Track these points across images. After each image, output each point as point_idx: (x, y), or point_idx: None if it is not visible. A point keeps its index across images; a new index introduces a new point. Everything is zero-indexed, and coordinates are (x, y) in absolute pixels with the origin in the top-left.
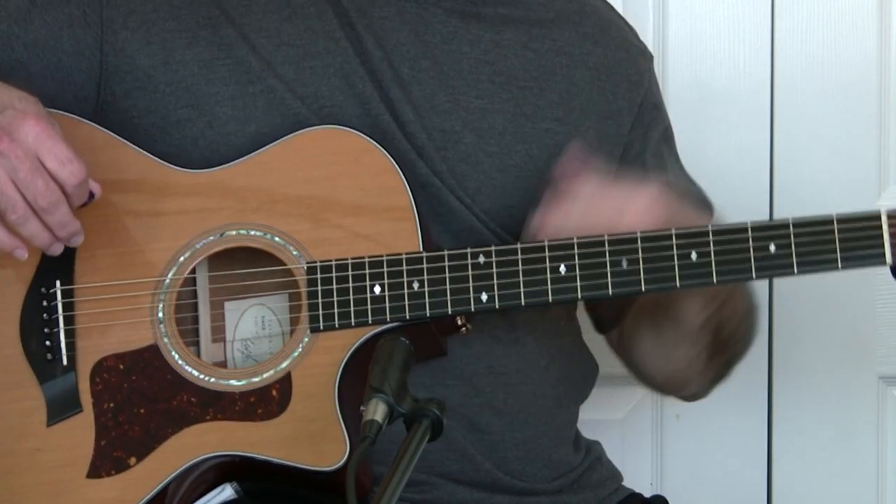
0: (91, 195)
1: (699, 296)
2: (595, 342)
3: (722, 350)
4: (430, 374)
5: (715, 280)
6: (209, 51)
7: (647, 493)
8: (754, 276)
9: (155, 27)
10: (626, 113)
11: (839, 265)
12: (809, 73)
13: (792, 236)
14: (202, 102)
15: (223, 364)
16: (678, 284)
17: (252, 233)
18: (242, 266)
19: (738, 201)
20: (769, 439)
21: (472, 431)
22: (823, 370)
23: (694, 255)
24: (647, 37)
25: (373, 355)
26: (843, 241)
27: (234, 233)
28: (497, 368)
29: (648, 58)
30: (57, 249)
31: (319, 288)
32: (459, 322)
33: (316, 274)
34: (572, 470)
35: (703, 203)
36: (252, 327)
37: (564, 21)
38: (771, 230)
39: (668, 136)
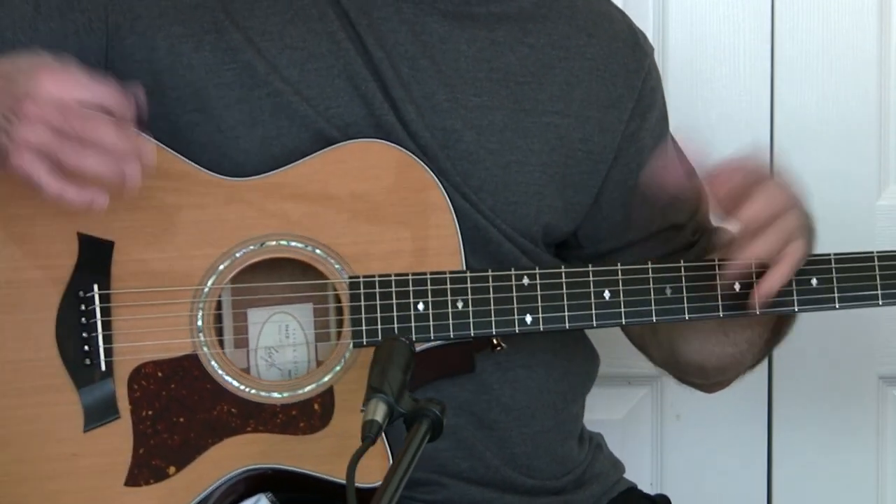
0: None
1: None
2: (595, 337)
3: (780, 329)
4: None
5: (758, 311)
6: (215, 55)
7: (648, 493)
8: (796, 308)
9: (161, 32)
10: (627, 99)
11: (880, 301)
12: (809, 73)
13: (833, 271)
14: (209, 107)
15: (246, 371)
16: (721, 314)
17: (293, 244)
18: (264, 273)
19: None
20: (769, 439)
21: (480, 428)
22: (823, 370)
23: (737, 286)
24: (647, 36)
25: (373, 355)
26: (884, 278)
27: (274, 243)
28: (504, 364)
29: (647, 46)
30: (132, 176)
31: (363, 303)
32: (495, 341)
33: (359, 289)
34: (578, 465)
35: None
36: (275, 335)
37: (557, 16)
38: (813, 265)
39: (665, 118)
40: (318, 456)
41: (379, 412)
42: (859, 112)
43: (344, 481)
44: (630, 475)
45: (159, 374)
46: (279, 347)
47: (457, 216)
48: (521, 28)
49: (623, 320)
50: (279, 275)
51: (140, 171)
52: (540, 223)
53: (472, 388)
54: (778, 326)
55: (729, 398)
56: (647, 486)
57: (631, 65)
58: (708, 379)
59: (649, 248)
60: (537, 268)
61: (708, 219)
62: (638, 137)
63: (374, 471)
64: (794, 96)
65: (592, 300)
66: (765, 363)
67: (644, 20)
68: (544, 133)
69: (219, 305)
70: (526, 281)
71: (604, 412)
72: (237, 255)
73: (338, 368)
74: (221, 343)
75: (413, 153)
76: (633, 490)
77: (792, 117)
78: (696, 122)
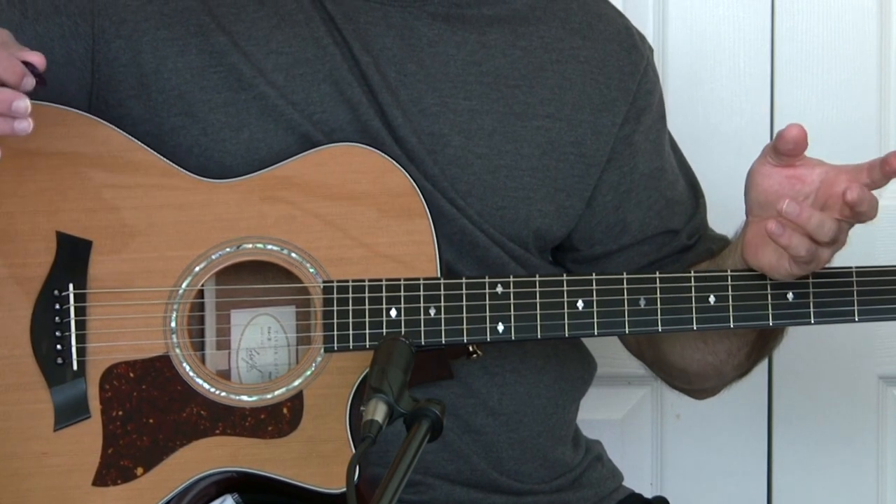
0: (31, 65)
1: None
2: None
3: (763, 345)
4: None
5: (731, 325)
6: (201, 58)
7: (647, 494)
8: (771, 322)
9: (146, 36)
10: (621, 103)
11: (856, 317)
12: (809, 73)
13: (811, 286)
14: (195, 110)
15: (227, 372)
16: (695, 327)
17: (269, 247)
18: (249, 273)
19: (738, 202)
20: (769, 439)
21: (467, 432)
22: (823, 370)
23: (712, 299)
24: (647, 37)
25: (373, 355)
26: (861, 294)
27: (250, 246)
28: (492, 369)
29: (645, 48)
30: (21, 127)
31: (335, 308)
32: (471, 348)
33: (332, 294)
34: (571, 470)
35: (693, 189)
36: (258, 337)
37: (551, 18)
38: None
39: (663, 119)
40: (286, 460)
41: (379, 412)
42: (859, 112)
43: (309, 486)
44: (630, 475)
45: (131, 374)
46: (260, 349)
47: (443, 221)
48: (514, 31)
49: (595, 331)
50: (266, 275)
51: (29, 126)
52: (531, 227)
53: (457, 392)
54: (762, 342)
55: (729, 398)
56: (647, 486)
57: (626, 67)
58: (692, 384)
59: (644, 252)
60: (511, 276)
61: (705, 222)
62: (632, 140)
63: (340, 477)
64: (794, 96)
65: (565, 310)
66: (765, 363)
67: (644, 21)
68: (535, 137)
69: (201, 307)
70: (499, 289)
71: (603, 412)
72: (213, 256)
73: (308, 373)
74: (202, 344)
75: (399, 158)
76: (631, 496)
77: (792, 117)
78: (696, 122)
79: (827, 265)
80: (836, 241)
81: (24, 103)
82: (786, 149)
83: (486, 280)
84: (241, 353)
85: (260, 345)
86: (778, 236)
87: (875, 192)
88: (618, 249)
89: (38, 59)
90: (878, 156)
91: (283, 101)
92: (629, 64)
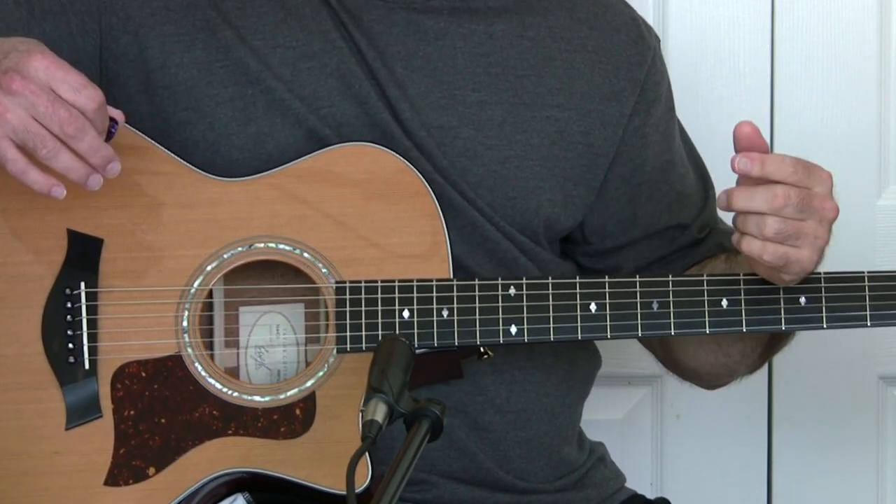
0: (114, 122)
1: None
2: None
3: (775, 344)
4: None
5: (744, 328)
6: (207, 53)
7: (648, 494)
8: (784, 326)
9: (153, 31)
10: (629, 93)
11: (868, 322)
12: (809, 73)
13: (823, 290)
14: (202, 105)
15: (235, 370)
16: (707, 330)
17: (281, 246)
18: (257, 271)
19: None
20: (769, 439)
21: (474, 430)
22: (823, 370)
23: (725, 303)
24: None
25: (373, 355)
26: (874, 299)
27: (262, 245)
28: (500, 366)
29: (652, 38)
30: (95, 182)
31: (348, 309)
32: (482, 349)
33: (345, 294)
34: (575, 470)
35: (703, 181)
36: (266, 334)
37: (558, 8)
38: (803, 283)
39: (672, 111)
40: (298, 461)
41: (379, 412)
42: (859, 112)
43: (321, 487)
44: (630, 475)
45: (143, 374)
46: (269, 347)
47: (454, 214)
48: (521, 21)
49: (608, 334)
50: (274, 273)
51: (101, 183)
52: (540, 217)
53: (466, 389)
54: (774, 342)
55: (729, 398)
56: (647, 487)
57: (634, 57)
58: (703, 382)
59: (654, 246)
60: (524, 278)
61: (715, 216)
62: (643, 133)
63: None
64: (794, 96)
65: (578, 312)
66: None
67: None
68: (544, 127)
69: (210, 305)
70: (512, 291)
71: (604, 412)
72: (225, 256)
73: (321, 374)
74: (210, 342)
75: (409, 151)
76: (633, 497)
77: (792, 117)
78: (696, 122)
79: (836, 272)
80: (806, 232)
81: (118, 167)
82: (742, 145)
83: (499, 282)
84: (250, 350)
85: (269, 343)
86: (737, 244)
87: (875, 193)
88: (628, 243)
89: (119, 115)
90: (878, 156)
91: (290, 96)
92: (637, 54)
